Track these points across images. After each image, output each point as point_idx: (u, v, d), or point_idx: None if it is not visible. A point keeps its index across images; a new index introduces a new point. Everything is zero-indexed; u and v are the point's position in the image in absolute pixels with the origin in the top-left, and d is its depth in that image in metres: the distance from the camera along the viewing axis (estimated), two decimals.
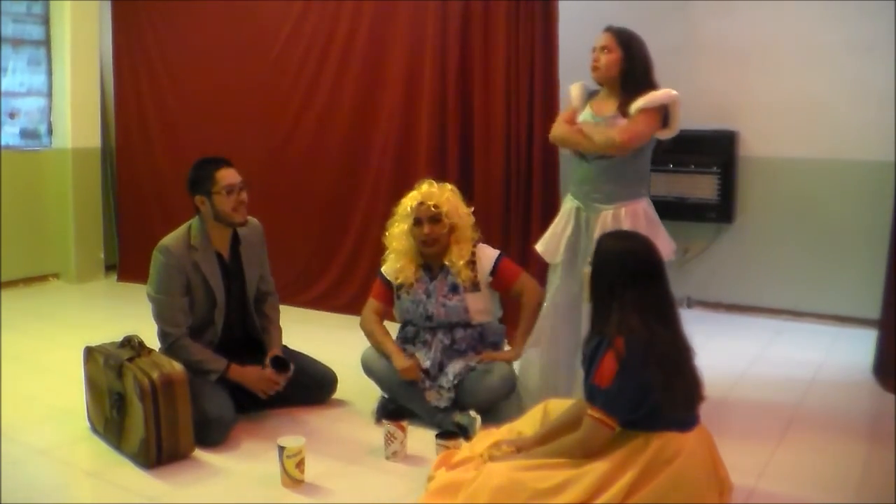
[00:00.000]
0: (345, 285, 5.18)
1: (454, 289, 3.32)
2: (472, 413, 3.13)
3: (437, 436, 2.84)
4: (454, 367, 3.26)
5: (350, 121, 5.11)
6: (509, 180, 4.43)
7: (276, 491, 2.75)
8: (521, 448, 2.49)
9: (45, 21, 6.16)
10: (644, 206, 3.13)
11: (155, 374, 2.92)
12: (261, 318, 3.51)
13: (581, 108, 3.21)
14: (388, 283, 3.44)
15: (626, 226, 3.00)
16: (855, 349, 4.22)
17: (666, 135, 3.10)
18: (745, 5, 4.88)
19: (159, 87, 6.02)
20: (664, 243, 3.05)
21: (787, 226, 4.94)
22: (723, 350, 4.28)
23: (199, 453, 3.04)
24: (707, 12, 4.98)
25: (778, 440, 3.14)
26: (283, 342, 3.50)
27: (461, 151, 4.62)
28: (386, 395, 3.40)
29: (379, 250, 3.57)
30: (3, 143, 5.98)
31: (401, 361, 3.26)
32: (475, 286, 3.34)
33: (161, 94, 6.02)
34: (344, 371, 3.57)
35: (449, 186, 3.40)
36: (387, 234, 3.43)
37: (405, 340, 3.42)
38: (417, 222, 3.30)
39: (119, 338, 3.20)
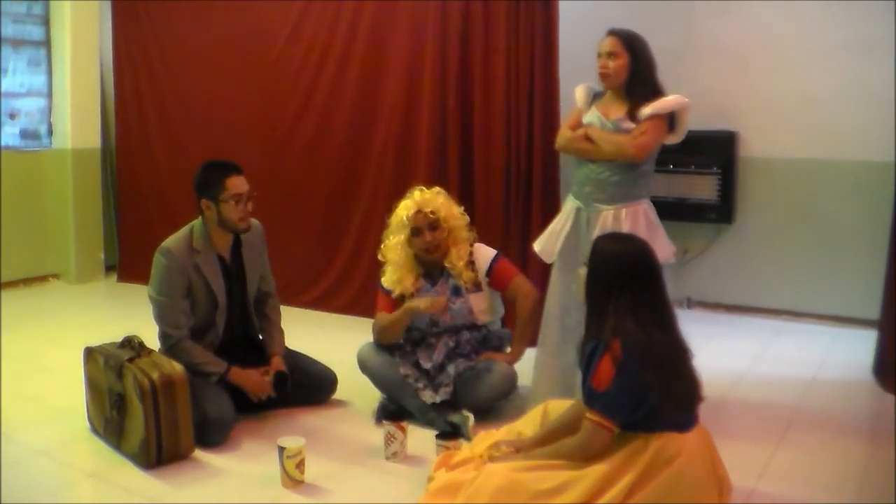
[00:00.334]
0: (345, 286, 5.19)
1: (457, 291, 3.32)
2: (465, 412, 3.13)
3: (438, 436, 2.84)
4: (455, 365, 3.27)
5: (350, 121, 5.11)
6: (509, 180, 4.42)
7: (276, 491, 2.75)
8: (520, 449, 2.50)
9: (46, 21, 6.16)
10: (644, 208, 3.13)
11: (155, 375, 2.92)
12: (262, 320, 3.51)
13: (586, 109, 3.21)
14: (390, 294, 3.40)
15: (625, 227, 3.00)
16: (855, 349, 4.22)
17: (672, 140, 3.10)
18: (745, 6, 4.88)
19: (159, 87, 6.02)
20: (663, 246, 3.05)
21: (786, 226, 4.94)
22: (722, 350, 4.28)
23: (199, 454, 3.03)
24: (707, 13, 4.98)
25: (778, 440, 3.14)
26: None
27: (461, 151, 4.61)
28: (381, 393, 3.39)
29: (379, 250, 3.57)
30: (3, 143, 5.97)
31: (424, 302, 3.24)
32: (477, 286, 3.35)
33: (161, 94, 6.02)
34: (344, 371, 3.57)
35: (437, 190, 3.40)
36: (382, 246, 3.40)
37: (412, 343, 3.40)
38: (417, 232, 3.28)
39: (119, 338, 3.20)
